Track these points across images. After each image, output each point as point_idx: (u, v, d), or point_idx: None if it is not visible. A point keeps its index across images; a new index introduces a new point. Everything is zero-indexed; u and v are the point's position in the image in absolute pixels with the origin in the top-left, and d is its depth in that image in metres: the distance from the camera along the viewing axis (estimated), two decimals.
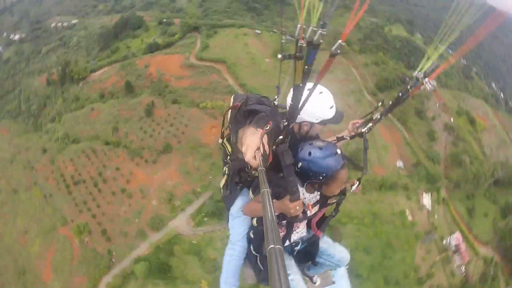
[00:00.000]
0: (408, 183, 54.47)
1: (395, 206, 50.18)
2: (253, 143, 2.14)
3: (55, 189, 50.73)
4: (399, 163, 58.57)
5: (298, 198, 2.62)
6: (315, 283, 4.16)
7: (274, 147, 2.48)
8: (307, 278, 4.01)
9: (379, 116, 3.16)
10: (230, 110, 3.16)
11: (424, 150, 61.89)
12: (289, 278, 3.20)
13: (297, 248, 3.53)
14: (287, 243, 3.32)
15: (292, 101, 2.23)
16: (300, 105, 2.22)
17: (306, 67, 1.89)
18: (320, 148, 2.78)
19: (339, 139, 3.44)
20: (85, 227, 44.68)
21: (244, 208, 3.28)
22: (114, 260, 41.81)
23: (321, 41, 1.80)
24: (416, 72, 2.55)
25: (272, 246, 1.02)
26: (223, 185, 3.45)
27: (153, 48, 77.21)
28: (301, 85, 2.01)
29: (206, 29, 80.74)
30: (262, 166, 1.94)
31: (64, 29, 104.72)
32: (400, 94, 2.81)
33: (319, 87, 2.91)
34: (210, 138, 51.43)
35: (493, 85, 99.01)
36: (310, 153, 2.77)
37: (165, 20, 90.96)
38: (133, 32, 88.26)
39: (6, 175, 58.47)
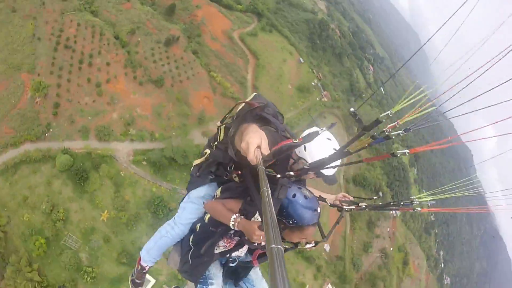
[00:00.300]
0: (323, 266, 57.95)
1: (300, 276, 53.25)
2: (254, 140, 2.10)
3: (46, 37, 49.81)
4: (327, 247, 61.78)
5: (261, 228, 2.64)
6: None
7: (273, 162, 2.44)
8: None
9: (364, 207, 3.13)
10: (244, 104, 3.03)
11: (353, 253, 66.16)
12: (212, 286, 3.44)
13: (231, 264, 3.63)
14: (226, 255, 3.42)
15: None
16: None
17: (367, 145, 2.13)
18: (306, 197, 2.77)
19: (321, 199, 3.33)
20: (45, 88, 44.36)
21: (208, 203, 3.25)
22: (46, 135, 41.95)
23: (394, 137, 2.03)
24: (414, 197, 2.75)
25: (273, 245, 1.01)
26: (197, 165, 3.47)
27: None
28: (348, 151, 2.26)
29: (266, 23, 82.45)
30: (262, 165, 1.91)
31: None
32: (392, 205, 2.92)
33: (328, 134, 3.04)
34: (197, 104, 53.16)
35: (441, 253, 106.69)
36: (294, 195, 2.75)
37: None
38: None
39: None
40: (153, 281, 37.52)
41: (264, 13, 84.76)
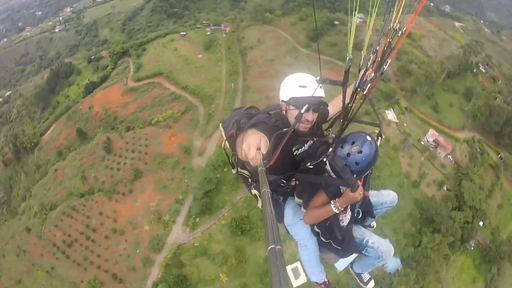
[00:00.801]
0: (368, 108, 56.27)
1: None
2: (254, 142, 2.11)
3: (53, 261, 50.22)
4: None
5: (358, 186, 2.82)
6: (373, 227, 4.56)
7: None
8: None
9: (373, 75, 2.93)
10: (227, 141, 3.07)
11: None
12: (370, 241, 3.68)
13: (359, 216, 3.75)
14: (353, 217, 3.57)
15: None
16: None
17: (359, 89, 2.25)
18: (360, 152, 2.86)
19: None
20: (96, 280, 44.64)
21: (306, 218, 3.39)
22: None
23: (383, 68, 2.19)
24: (392, 24, 2.60)
25: (272, 246, 1.02)
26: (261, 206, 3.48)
27: (91, 88, 76.33)
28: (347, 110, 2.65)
29: (134, 49, 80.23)
30: (263, 167, 1.91)
31: (0, 105, 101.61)
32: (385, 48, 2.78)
33: (302, 73, 3.11)
34: (172, 147, 51.79)
35: None
36: (357, 163, 2.87)
37: (93, 57, 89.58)
38: (67, 80, 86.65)
39: (4, 270, 57.23)
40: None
41: (125, 47, 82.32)
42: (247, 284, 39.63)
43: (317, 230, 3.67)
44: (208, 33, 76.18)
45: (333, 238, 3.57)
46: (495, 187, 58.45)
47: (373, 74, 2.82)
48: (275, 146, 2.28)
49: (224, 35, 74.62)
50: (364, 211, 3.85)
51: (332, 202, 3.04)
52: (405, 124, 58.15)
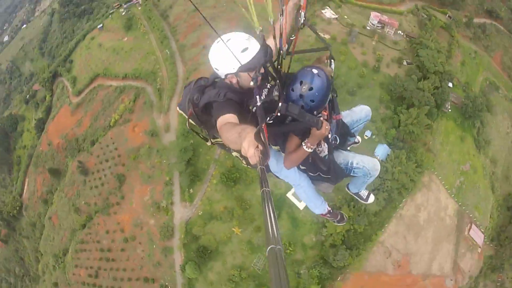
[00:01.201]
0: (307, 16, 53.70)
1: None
2: (252, 141, 2.10)
3: None
4: None
5: (322, 123, 2.90)
6: (358, 142, 4.69)
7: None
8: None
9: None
10: (189, 119, 3.20)
11: None
12: (355, 163, 3.78)
13: (337, 142, 3.82)
14: (330, 146, 3.62)
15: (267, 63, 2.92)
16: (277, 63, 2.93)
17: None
18: (310, 89, 2.95)
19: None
20: None
21: (285, 165, 3.44)
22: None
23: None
24: None
25: (272, 246, 1.00)
26: (245, 163, 3.48)
27: (41, 126, 71.81)
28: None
29: (62, 67, 74.45)
30: (262, 165, 1.91)
31: None
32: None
33: (227, 36, 2.88)
34: (139, 137, 49.14)
35: None
36: (312, 100, 3.00)
37: (28, 96, 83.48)
38: (16, 132, 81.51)
39: None
40: None
41: (52, 69, 76.34)
42: (260, 225, 39.84)
43: (303, 167, 3.84)
44: (123, 13, 69.79)
45: (319, 170, 3.71)
46: (453, 46, 58.82)
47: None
48: (262, 142, 2.17)
49: (139, 8, 68.41)
50: (342, 134, 3.92)
51: (303, 143, 3.14)
52: (345, 16, 56.41)
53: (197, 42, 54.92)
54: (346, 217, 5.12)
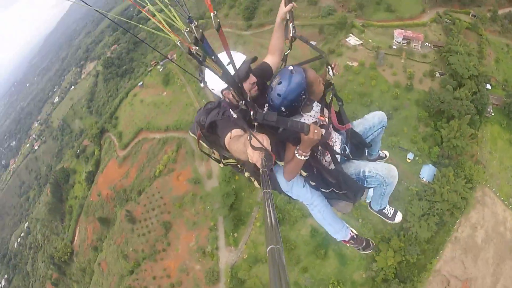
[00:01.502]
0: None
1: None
2: (257, 145, 2.24)
3: None
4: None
5: (309, 127, 2.74)
6: (385, 157, 4.77)
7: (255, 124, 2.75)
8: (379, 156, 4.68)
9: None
10: (199, 141, 3.25)
11: None
12: (367, 171, 3.55)
13: (348, 151, 3.72)
14: (339, 158, 3.56)
15: (229, 84, 2.55)
16: (237, 78, 2.57)
17: (213, 57, 2.16)
18: (279, 83, 2.95)
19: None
20: None
21: (285, 176, 3.33)
22: None
23: (201, 31, 1.95)
24: None
25: (272, 246, 1.02)
26: (258, 184, 3.48)
27: (91, 178, 77.48)
28: (223, 73, 2.32)
29: (108, 123, 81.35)
30: (265, 167, 2.02)
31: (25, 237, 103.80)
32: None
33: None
34: (183, 185, 52.02)
35: None
36: (279, 94, 2.94)
37: (78, 151, 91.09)
38: (68, 184, 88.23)
39: None
40: None
41: (100, 126, 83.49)
42: (306, 264, 39.97)
43: (313, 182, 3.61)
44: (161, 70, 76.75)
45: (331, 185, 3.49)
46: (483, 46, 56.30)
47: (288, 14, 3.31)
48: (260, 148, 2.27)
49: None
50: (355, 143, 3.79)
51: (295, 151, 2.99)
52: (370, 40, 56.73)
53: None
54: (372, 243, 4.81)
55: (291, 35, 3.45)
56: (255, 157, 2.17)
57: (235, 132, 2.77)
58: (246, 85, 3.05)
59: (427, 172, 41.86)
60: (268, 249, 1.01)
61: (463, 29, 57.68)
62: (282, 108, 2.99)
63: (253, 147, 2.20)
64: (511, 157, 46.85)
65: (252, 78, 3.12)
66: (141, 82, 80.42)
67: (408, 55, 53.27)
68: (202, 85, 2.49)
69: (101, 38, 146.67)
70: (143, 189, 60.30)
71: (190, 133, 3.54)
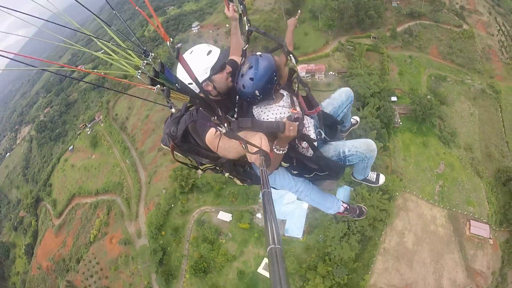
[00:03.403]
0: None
1: None
2: (256, 142, 2.25)
3: None
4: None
5: (284, 125, 2.69)
6: (356, 122, 4.95)
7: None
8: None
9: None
10: (173, 151, 3.17)
11: None
12: (347, 150, 3.59)
13: (323, 135, 3.74)
14: (316, 143, 3.50)
15: (199, 105, 2.25)
16: (192, 80, 2.14)
17: (177, 84, 1.98)
18: (250, 67, 2.96)
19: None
20: None
21: (269, 168, 3.00)
22: None
23: (160, 61, 1.84)
24: None
25: (272, 246, 1.02)
26: (240, 181, 3.53)
27: (30, 251, 75.25)
28: (190, 99, 2.12)
29: (43, 191, 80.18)
30: (264, 167, 2.02)
31: None
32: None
33: (188, 51, 3.04)
34: (116, 247, 53.27)
35: None
36: (251, 78, 2.94)
37: (15, 222, 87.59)
38: (9, 260, 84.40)
39: None
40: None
41: (35, 195, 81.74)
42: None
43: (295, 171, 3.69)
44: (88, 132, 78.10)
45: (313, 170, 3.56)
46: (385, 63, 62.00)
47: (240, 6, 3.30)
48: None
49: (102, 124, 76.94)
50: (328, 124, 3.86)
51: (273, 146, 2.91)
52: None
53: (153, 146, 62.14)
54: (365, 209, 4.87)
55: (246, 29, 3.43)
56: (254, 157, 2.20)
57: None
58: (223, 75, 3.08)
59: (342, 193, 43.05)
60: (268, 249, 1.03)
61: (364, 52, 63.73)
62: (256, 92, 2.97)
63: (252, 154, 2.18)
64: (428, 158, 49.93)
65: (228, 68, 3.12)
66: (72, 147, 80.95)
67: (313, 87, 56.55)
68: (173, 110, 2.19)
69: (36, 99, 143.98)
70: (80, 256, 60.25)
71: (162, 145, 3.45)
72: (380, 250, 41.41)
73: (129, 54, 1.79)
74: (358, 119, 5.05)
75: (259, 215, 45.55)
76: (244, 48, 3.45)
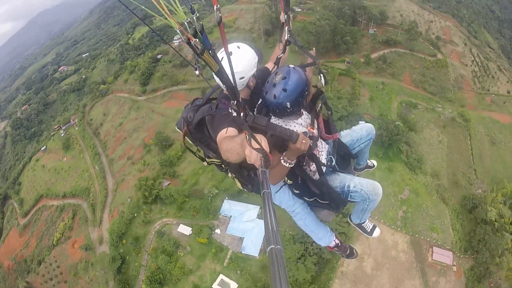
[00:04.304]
0: None
1: None
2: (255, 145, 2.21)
3: None
4: None
5: (298, 136, 2.65)
6: (373, 166, 4.84)
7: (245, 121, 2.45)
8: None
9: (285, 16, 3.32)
10: (185, 137, 3.19)
11: None
12: (352, 186, 3.49)
13: (334, 163, 3.62)
14: (324, 169, 3.44)
15: (223, 82, 2.20)
16: (232, 78, 2.18)
17: (210, 51, 1.89)
18: (284, 78, 2.89)
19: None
20: None
21: (270, 181, 3.08)
22: None
23: (201, 23, 1.79)
24: None
25: (272, 246, 1.02)
26: (241, 185, 3.48)
27: None
28: (218, 69, 2.03)
29: (11, 189, 79.99)
30: (263, 167, 2.03)
31: None
32: None
33: (231, 47, 2.97)
34: (77, 252, 53.92)
35: None
36: (284, 89, 2.87)
37: None
38: None
39: None
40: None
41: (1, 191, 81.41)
42: None
43: (296, 191, 3.61)
44: (62, 134, 78.68)
45: (315, 194, 3.49)
46: (356, 87, 63.15)
47: (285, 16, 3.24)
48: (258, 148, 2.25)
49: (76, 128, 77.73)
50: (341, 154, 3.76)
51: (281, 157, 2.90)
52: None
53: (123, 154, 63.54)
54: (356, 252, 4.74)
55: (285, 38, 3.45)
56: (253, 158, 2.16)
57: (230, 131, 2.63)
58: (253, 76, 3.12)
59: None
60: (268, 249, 1.03)
61: (336, 76, 64.54)
62: (288, 104, 2.90)
63: (252, 148, 2.18)
64: (392, 183, 49.38)
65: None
66: (44, 147, 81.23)
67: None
68: (197, 72, 2.01)
69: (15, 95, 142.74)
70: (42, 258, 60.41)
71: (176, 127, 3.43)
72: (338, 273, 40.97)
73: (177, 5, 1.77)
74: (375, 163, 5.02)
75: (218, 231, 46.50)
76: (278, 57, 3.56)
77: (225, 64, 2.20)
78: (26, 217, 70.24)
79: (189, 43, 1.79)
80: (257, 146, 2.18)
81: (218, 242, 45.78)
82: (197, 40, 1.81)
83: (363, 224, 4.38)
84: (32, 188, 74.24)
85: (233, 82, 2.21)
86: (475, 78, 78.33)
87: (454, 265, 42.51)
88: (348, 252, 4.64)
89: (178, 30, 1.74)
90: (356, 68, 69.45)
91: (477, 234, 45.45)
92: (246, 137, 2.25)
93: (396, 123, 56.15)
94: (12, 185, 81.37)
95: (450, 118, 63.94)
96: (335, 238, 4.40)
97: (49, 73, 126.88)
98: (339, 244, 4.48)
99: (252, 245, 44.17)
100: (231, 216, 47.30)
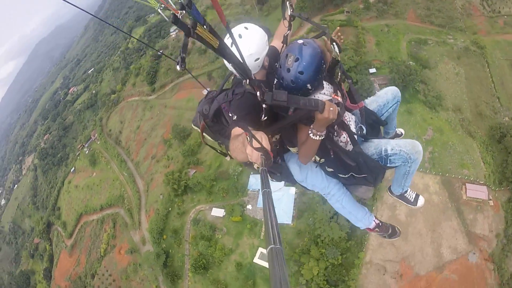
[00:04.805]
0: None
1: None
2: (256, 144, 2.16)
3: None
4: None
5: (324, 105, 2.53)
6: (401, 134, 4.79)
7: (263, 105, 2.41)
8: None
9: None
10: (203, 133, 3.11)
11: None
12: (389, 148, 3.20)
13: (365, 131, 3.47)
14: (356, 138, 3.20)
15: (232, 64, 2.07)
16: (240, 59, 2.09)
17: (205, 26, 1.65)
18: (296, 59, 2.65)
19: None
20: None
21: (300, 159, 3.09)
22: None
23: None
24: None
25: (272, 246, 1.01)
26: (269, 174, 3.22)
27: (48, 274, 77.43)
28: (219, 45, 1.79)
29: (52, 215, 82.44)
30: (264, 166, 2.00)
31: None
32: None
33: (239, 29, 2.79)
34: (124, 258, 54.59)
35: None
36: (301, 72, 2.63)
37: (31, 250, 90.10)
38: (29, 286, 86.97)
39: None
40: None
41: (46, 220, 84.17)
42: None
43: (329, 169, 3.41)
44: (87, 151, 80.00)
45: (350, 169, 3.26)
46: (360, 35, 60.48)
47: None
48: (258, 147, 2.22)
49: (98, 142, 78.72)
50: (370, 123, 3.59)
51: (309, 131, 2.75)
52: None
53: (147, 155, 64.01)
54: (399, 230, 4.50)
55: (289, 14, 3.31)
56: (254, 157, 2.13)
57: (235, 131, 2.59)
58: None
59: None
60: (268, 249, 1.02)
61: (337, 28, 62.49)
62: (308, 85, 2.71)
63: (253, 147, 2.14)
64: (414, 125, 46.80)
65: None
66: (73, 168, 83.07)
67: None
68: (178, 67, 1.74)
69: (35, 128, 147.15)
70: (95, 271, 62.03)
71: (192, 125, 3.33)
72: None
73: None
74: (403, 131, 4.90)
75: (249, 207, 46.37)
76: (285, 35, 3.39)
77: (229, 43, 2.24)
78: (71, 237, 72.30)
79: (175, 21, 1.50)
80: (258, 145, 2.15)
81: (251, 217, 45.72)
82: (184, 12, 1.55)
83: (405, 194, 4.14)
84: (71, 209, 76.21)
85: (240, 58, 2.09)
86: (483, 1, 71.93)
87: (490, 200, 40.67)
88: (390, 231, 4.36)
89: (159, 10, 1.58)
90: (357, 15, 65.72)
91: (509, 164, 43.45)
92: (247, 138, 2.23)
93: (408, 63, 53.72)
94: (52, 212, 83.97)
95: (464, 48, 60.05)
96: (374, 218, 4.16)
97: (61, 98, 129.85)
98: (380, 224, 4.20)
99: (284, 214, 43.53)
100: (259, 189, 46.64)
